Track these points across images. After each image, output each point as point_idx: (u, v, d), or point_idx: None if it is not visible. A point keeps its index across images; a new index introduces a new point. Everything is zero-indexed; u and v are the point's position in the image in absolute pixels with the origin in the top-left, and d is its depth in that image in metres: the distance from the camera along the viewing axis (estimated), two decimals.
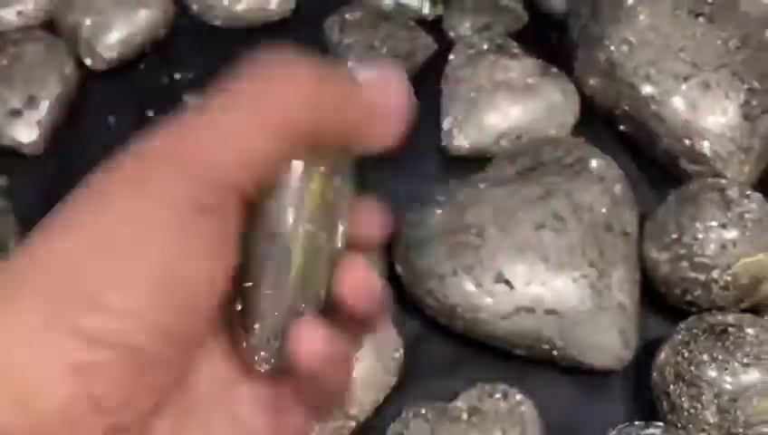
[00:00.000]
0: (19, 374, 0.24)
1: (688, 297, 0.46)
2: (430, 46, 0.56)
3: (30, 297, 0.24)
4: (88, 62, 0.55)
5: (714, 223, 0.45)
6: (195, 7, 0.57)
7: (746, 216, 0.45)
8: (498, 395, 0.44)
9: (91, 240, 0.25)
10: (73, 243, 0.25)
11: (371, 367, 0.44)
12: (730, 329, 0.42)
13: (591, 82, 0.53)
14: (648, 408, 0.44)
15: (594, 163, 0.48)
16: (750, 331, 0.42)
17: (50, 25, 0.57)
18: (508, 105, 0.52)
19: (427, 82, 0.54)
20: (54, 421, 0.24)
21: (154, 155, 0.27)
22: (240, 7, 0.57)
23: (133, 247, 0.25)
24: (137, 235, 0.25)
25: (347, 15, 0.56)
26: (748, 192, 0.46)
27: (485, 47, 0.54)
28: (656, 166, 0.52)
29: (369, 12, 0.57)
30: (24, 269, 0.25)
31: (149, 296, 0.25)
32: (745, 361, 0.41)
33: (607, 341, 0.44)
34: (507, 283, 0.44)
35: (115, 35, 0.55)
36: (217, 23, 0.58)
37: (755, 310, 0.46)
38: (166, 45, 0.57)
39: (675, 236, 0.45)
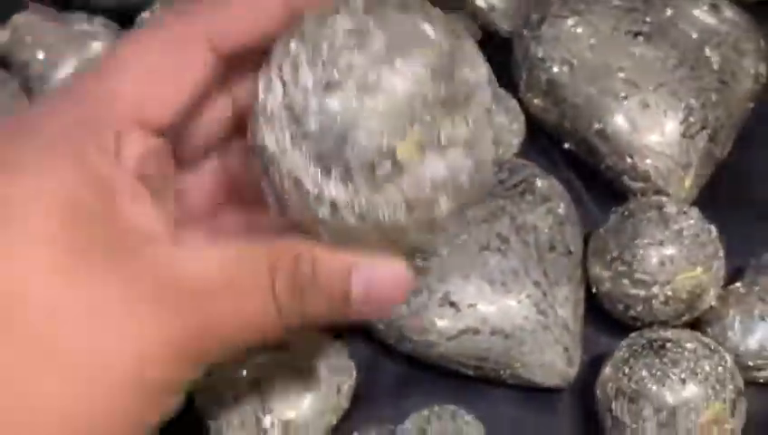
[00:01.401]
0: None
1: (631, 313, 0.47)
2: None
3: None
4: None
5: (652, 240, 0.46)
6: None
7: (684, 232, 0.46)
8: (446, 416, 0.45)
9: None
10: None
11: (325, 393, 0.45)
12: (668, 344, 0.43)
13: (535, 101, 0.54)
14: (593, 424, 0.45)
15: (538, 183, 0.49)
16: (688, 345, 0.43)
17: (2, 62, 0.57)
18: None
19: None
20: None
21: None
22: None
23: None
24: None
25: None
26: (685, 209, 0.47)
27: None
28: (601, 183, 0.53)
29: None
30: None
31: None
32: (683, 375, 0.42)
33: (551, 359, 0.45)
34: (453, 305, 0.45)
35: (66, 69, 0.56)
36: None
37: (697, 323, 0.47)
38: None
39: (615, 253, 0.46)
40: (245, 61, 0.34)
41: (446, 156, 0.31)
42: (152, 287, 0.30)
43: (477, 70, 0.32)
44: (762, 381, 0.46)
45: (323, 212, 0.31)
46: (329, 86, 0.30)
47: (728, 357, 0.44)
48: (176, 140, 0.35)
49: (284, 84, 0.31)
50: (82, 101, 0.32)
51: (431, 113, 0.30)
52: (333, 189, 0.31)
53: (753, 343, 0.46)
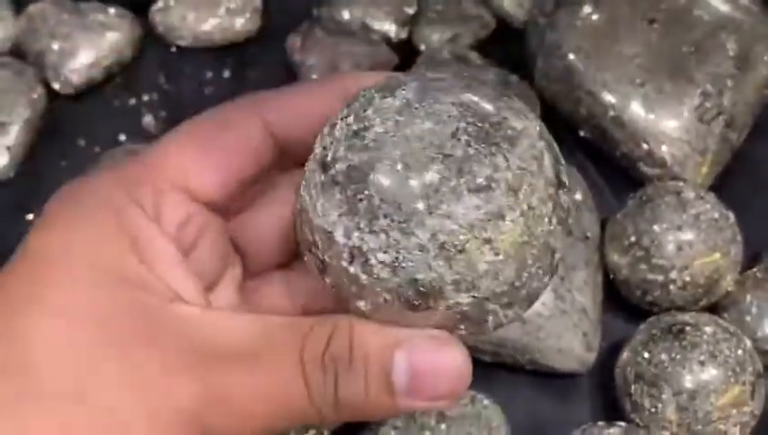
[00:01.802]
0: None
1: (649, 298, 0.47)
2: (393, 60, 0.57)
3: None
4: (56, 86, 0.56)
5: (670, 225, 0.46)
6: (160, 29, 0.58)
7: (702, 217, 0.46)
8: (465, 401, 0.45)
9: None
10: None
11: None
12: (687, 328, 0.43)
13: (551, 89, 0.54)
14: (612, 408, 0.45)
15: None
16: (707, 329, 0.43)
17: (17, 52, 0.57)
18: None
19: None
20: None
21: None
22: (205, 27, 0.58)
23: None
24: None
25: (306, 35, 0.57)
26: (703, 194, 0.47)
27: (446, 59, 0.55)
28: (617, 170, 0.53)
29: (329, 29, 0.57)
30: None
31: None
32: (702, 358, 0.42)
33: (570, 344, 0.45)
34: None
35: (81, 59, 0.56)
36: (183, 43, 0.58)
37: (714, 308, 0.47)
38: (132, 67, 0.58)
39: (633, 239, 0.46)
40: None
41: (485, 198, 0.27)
42: (174, 350, 0.29)
43: (522, 120, 0.29)
44: None
45: (355, 268, 0.28)
46: (357, 133, 0.28)
47: (747, 341, 0.44)
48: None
49: (321, 144, 0.29)
50: (126, 166, 0.32)
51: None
52: (360, 237, 0.27)
53: None
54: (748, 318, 0.46)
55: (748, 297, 0.47)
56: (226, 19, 0.58)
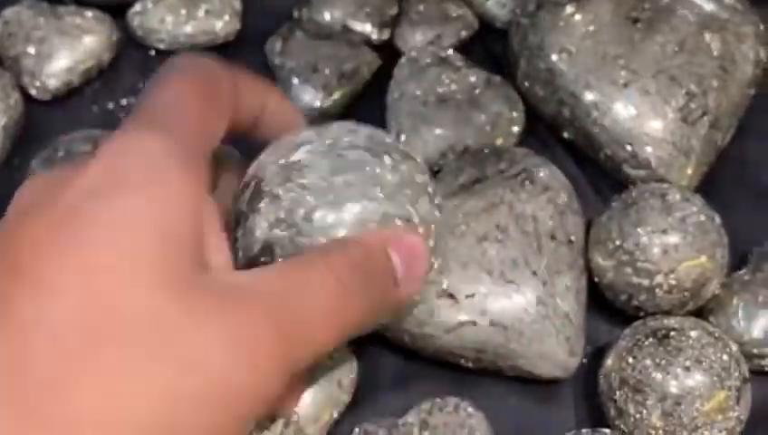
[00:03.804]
0: None
1: (634, 302, 0.46)
2: (375, 62, 0.57)
3: None
4: (32, 92, 0.55)
5: (655, 228, 0.45)
6: (139, 32, 0.57)
7: (687, 220, 0.45)
8: (449, 408, 0.44)
9: None
10: None
11: (326, 387, 0.44)
12: (672, 333, 0.42)
13: (534, 90, 0.53)
14: (598, 414, 0.45)
15: (539, 173, 0.48)
16: (692, 334, 0.43)
17: None
18: (452, 118, 0.52)
19: (374, 98, 0.55)
20: None
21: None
22: (184, 30, 0.57)
23: None
24: None
25: (286, 37, 0.56)
26: (689, 196, 0.46)
27: (429, 61, 0.55)
28: (601, 172, 0.52)
29: (310, 32, 0.57)
30: None
31: None
32: (687, 364, 0.41)
33: (552, 349, 0.45)
34: (451, 296, 0.44)
35: (58, 64, 0.55)
36: (161, 46, 0.58)
37: (701, 312, 0.47)
38: (110, 71, 0.57)
39: (618, 242, 0.46)
40: None
41: None
42: (233, 300, 0.31)
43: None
44: (767, 369, 0.46)
45: None
46: None
47: (733, 345, 0.43)
48: None
49: None
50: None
51: None
52: None
53: (757, 330, 0.46)
54: (735, 322, 0.46)
55: (735, 300, 0.46)
56: (205, 21, 0.57)
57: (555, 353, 0.45)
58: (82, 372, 0.28)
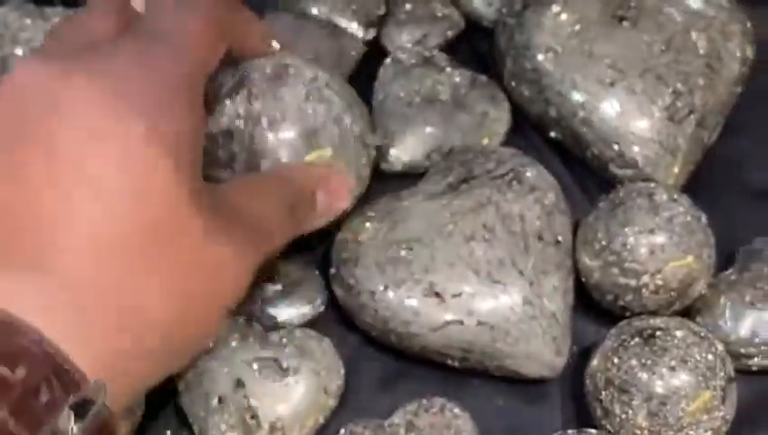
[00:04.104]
0: None
1: (621, 302, 0.46)
2: (358, 47, 0.56)
3: None
4: None
5: (642, 228, 0.45)
6: None
7: (674, 220, 0.45)
8: (435, 409, 0.44)
9: None
10: None
11: (313, 394, 0.44)
12: (658, 333, 0.42)
13: (520, 90, 0.53)
14: (584, 414, 0.45)
15: (526, 173, 0.48)
16: (677, 334, 0.42)
17: None
18: (438, 119, 0.52)
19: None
20: None
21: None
22: None
23: None
24: None
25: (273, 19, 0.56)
26: (675, 196, 0.46)
27: (413, 62, 0.54)
28: (588, 171, 0.52)
29: (290, 21, 0.56)
30: None
31: None
32: (672, 364, 0.41)
33: (539, 349, 0.45)
34: (438, 295, 0.44)
35: None
36: None
37: (688, 312, 0.47)
38: None
39: (605, 242, 0.46)
40: None
41: None
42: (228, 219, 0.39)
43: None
44: (754, 368, 0.46)
45: None
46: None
47: (718, 344, 0.43)
48: None
49: None
50: None
51: None
52: None
53: (744, 330, 0.45)
54: (722, 321, 0.46)
55: (722, 300, 0.46)
56: None
57: (542, 353, 0.45)
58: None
